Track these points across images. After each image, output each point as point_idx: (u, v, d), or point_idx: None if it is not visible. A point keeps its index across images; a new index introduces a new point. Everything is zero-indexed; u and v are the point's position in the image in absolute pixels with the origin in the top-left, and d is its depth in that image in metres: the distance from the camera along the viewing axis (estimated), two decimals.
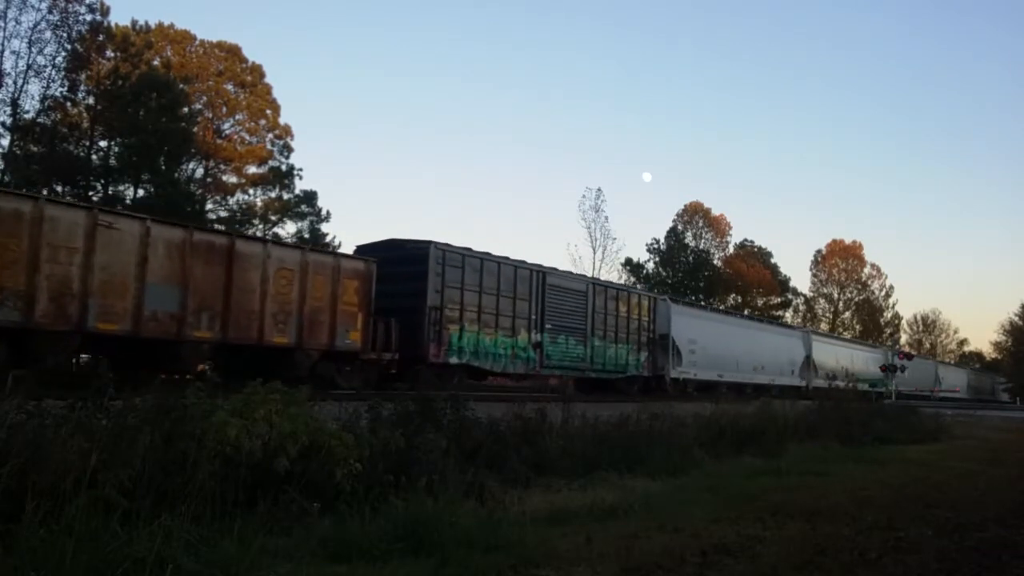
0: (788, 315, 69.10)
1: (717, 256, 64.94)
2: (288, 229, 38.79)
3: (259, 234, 33.97)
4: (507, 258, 23.03)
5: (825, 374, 39.20)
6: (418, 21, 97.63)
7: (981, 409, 37.99)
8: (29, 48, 28.61)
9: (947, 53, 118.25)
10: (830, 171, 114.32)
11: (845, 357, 44.79)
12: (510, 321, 22.62)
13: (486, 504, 6.98)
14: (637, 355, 28.28)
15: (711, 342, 31.93)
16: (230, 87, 38.42)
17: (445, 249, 20.90)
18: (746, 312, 55.86)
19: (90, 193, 30.55)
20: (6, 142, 29.65)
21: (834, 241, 78.33)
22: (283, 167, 39.70)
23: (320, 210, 39.23)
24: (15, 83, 28.71)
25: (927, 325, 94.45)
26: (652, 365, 29.15)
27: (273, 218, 38.78)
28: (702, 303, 49.16)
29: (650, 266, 62.44)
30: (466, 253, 21.63)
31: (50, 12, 28.90)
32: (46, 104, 29.99)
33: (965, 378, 70.08)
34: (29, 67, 28.73)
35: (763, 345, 36.59)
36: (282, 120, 39.85)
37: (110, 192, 31.86)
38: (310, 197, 39.87)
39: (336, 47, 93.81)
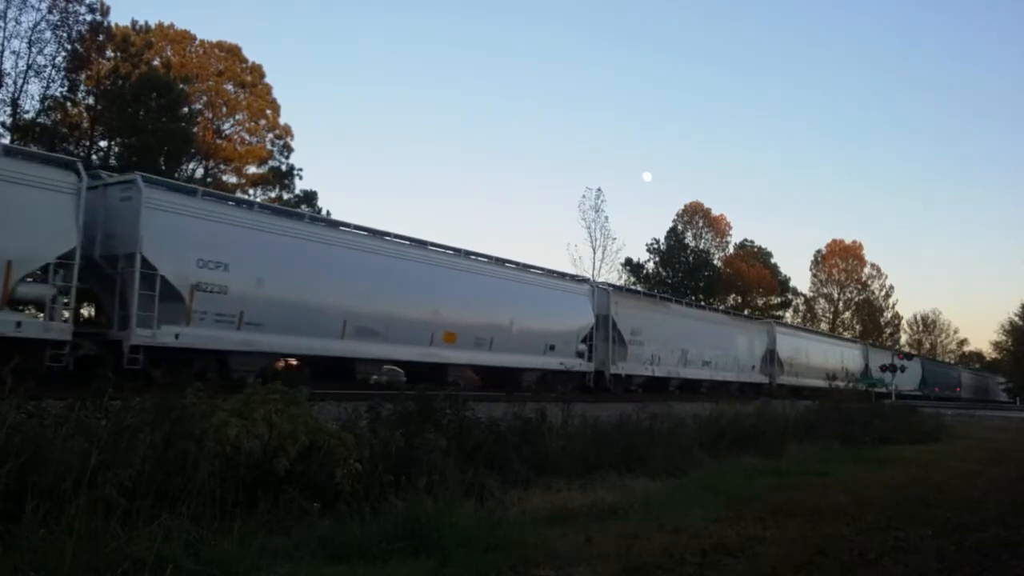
0: (788, 315, 69.03)
1: (717, 256, 64.89)
2: None
3: None
4: None
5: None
6: (419, 22, 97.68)
7: (981, 409, 37.86)
8: (29, 48, 28.59)
9: (947, 54, 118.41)
10: (830, 171, 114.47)
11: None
12: None
13: (486, 504, 6.97)
14: None
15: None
16: (230, 87, 38.40)
17: None
18: (746, 312, 55.62)
19: None
20: (6, 142, 29.60)
21: (834, 241, 78.32)
22: (283, 167, 39.80)
23: (320, 210, 39.23)
24: (15, 83, 28.69)
25: (927, 325, 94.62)
26: None
27: None
28: (697, 299, 48.86)
29: (650, 266, 62.42)
30: None
31: (50, 12, 28.86)
32: (46, 104, 29.93)
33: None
34: (29, 67, 28.71)
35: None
36: (282, 120, 39.97)
37: None
38: (310, 197, 39.90)
39: (336, 47, 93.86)
